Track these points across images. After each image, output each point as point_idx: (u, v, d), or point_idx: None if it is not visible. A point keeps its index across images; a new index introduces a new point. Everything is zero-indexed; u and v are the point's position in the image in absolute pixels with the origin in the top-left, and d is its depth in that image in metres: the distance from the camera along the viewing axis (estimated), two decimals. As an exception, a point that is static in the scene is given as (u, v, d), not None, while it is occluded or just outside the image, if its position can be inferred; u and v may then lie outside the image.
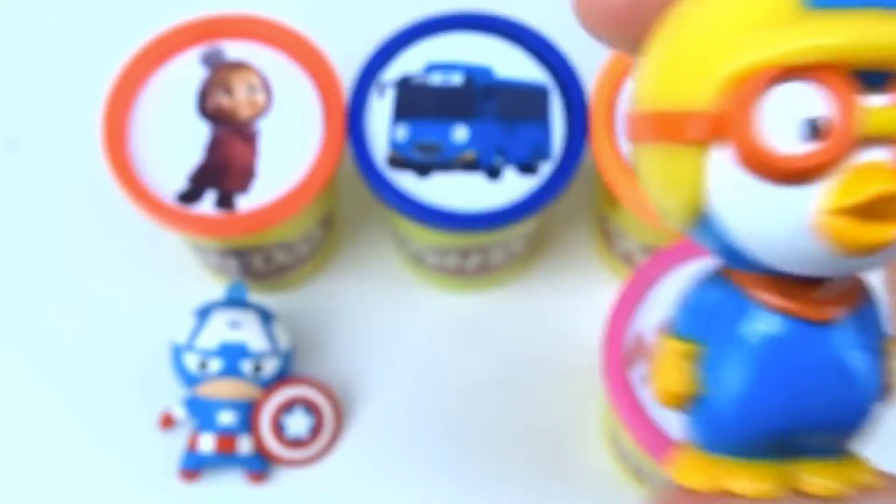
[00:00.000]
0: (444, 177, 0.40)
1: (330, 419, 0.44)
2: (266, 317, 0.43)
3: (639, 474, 0.41)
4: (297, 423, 0.43)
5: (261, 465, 0.43)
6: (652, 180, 0.12)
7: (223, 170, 0.40)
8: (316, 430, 0.44)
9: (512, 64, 0.42)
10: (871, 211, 0.11)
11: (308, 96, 0.42)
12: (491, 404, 0.45)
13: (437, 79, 0.41)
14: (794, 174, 0.11)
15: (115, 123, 0.41)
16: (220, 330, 0.42)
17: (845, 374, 0.13)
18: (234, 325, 0.42)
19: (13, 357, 0.47)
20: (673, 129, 0.12)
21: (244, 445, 0.43)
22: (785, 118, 0.11)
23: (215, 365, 0.42)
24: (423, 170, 0.40)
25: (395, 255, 0.49)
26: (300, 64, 0.43)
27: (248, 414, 0.43)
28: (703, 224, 0.12)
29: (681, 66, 0.12)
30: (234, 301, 0.44)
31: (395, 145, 0.41)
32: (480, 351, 0.46)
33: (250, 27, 0.43)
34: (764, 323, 0.13)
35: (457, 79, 0.41)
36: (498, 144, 0.40)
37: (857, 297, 0.13)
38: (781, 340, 0.13)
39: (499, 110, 0.41)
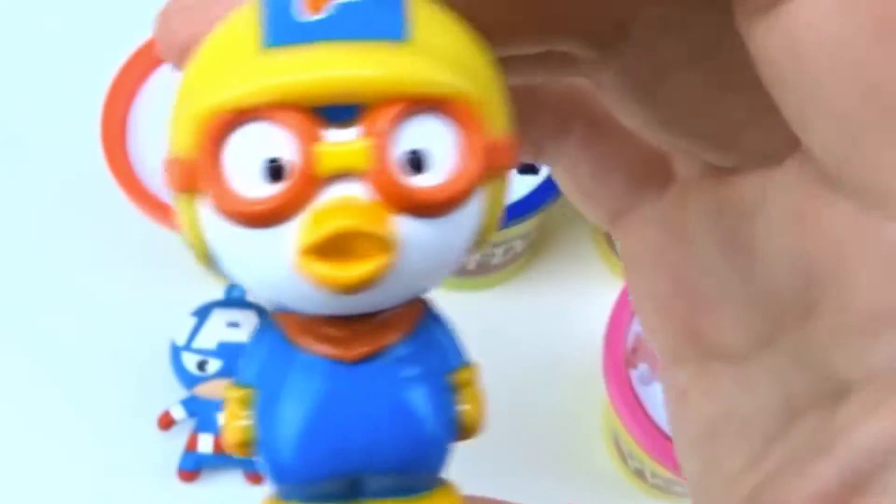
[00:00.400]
0: (443, 176, 0.40)
1: (329, 419, 0.44)
2: (265, 316, 0.43)
3: (639, 474, 0.41)
4: (297, 424, 0.43)
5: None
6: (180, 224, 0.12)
7: (222, 169, 0.40)
8: (315, 431, 0.44)
9: (512, 63, 0.42)
10: (338, 248, 0.11)
11: (307, 96, 0.42)
12: (491, 404, 0.45)
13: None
14: (260, 217, 0.11)
15: (115, 123, 0.41)
16: (218, 330, 0.42)
17: (392, 411, 0.12)
18: (233, 324, 0.42)
19: (13, 357, 0.47)
20: (167, 176, 0.12)
21: (243, 446, 0.42)
22: (248, 161, 0.11)
23: (214, 365, 0.42)
24: (423, 169, 0.40)
25: (394, 254, 0.49)
26: (300, 63, 0.43)
27: (248, 414, 0.43)
28: (219, 271, 0.12)
29: (174, 110, 0.12)
30: (233, 301, 0.43)
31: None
32: (480, 351, 0.46)
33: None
34: (300, 366, 0.12)
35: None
36: (498, 144, 0.40)
37: (403, 331, 0.12)
38: (317, 383, 0.12)
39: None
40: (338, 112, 0.11)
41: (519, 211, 0.39)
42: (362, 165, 0.11)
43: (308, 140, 0.11)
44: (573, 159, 0.18)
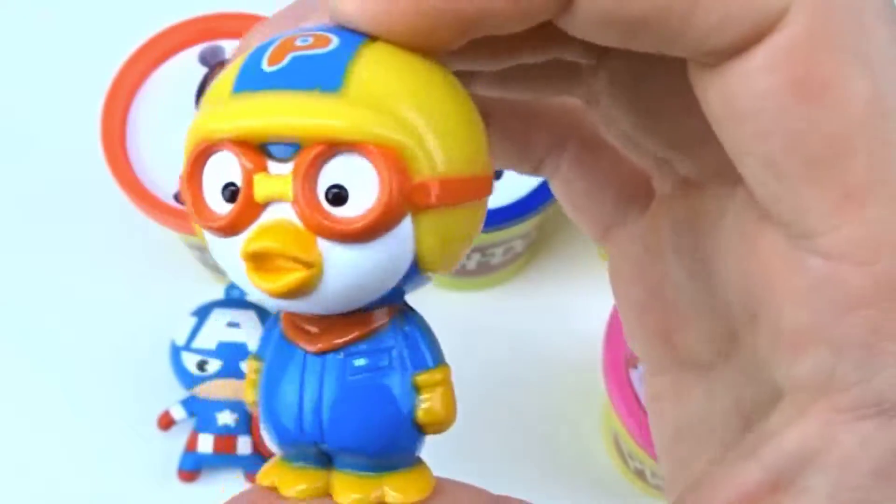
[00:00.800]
0: (443, 176, 0.40)
1: (329, 419, 0.44)
2: (265, 316, 0.43)
3: (639, 474, 0.41)
4: (297, 424, 0.43)
5: (260, 466, 0.43)
6: None
7: (222, 169, 0.40)
8: (315, 431, 0.44)
9: (512, 63, 0.42)
10: (268, 262, 0.13)
11: (308, 95, 0.42)
12: (491, 404, 0.45)
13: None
14: (220, 230, 0.14)
15: (115, 123, 0.41)
16: (218, 330, 0.42)
17: (339, 398, 0.14)
18: (233, 324, 0.42)
19: (13, 357, 0.47)
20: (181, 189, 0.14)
21: (243, 446, 0.42)
22: (214, 184, 0.14)
23: (214, 365, 0.42)
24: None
25: (394, 254, 0.49)
26: (300, 63, 0.43)
27: (248, 414, 0.43)
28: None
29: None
30: (233, 301, 0.43)
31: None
32: (480, 350, 0.46)
33: (249, 26, 0.43)
34: (281, 352, 0.15)
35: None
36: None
37: (366, 331, 0.14)
38: (287, 367, 0.15)
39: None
40: (281, 149, 0.13)
41: (519, 211, 0.39)
42: (288, 196, 0.13)
43: (250, 170, 0.13)
44: (568, 176, 0.20)
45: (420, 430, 0.15)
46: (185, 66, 0.42)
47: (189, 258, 0.47)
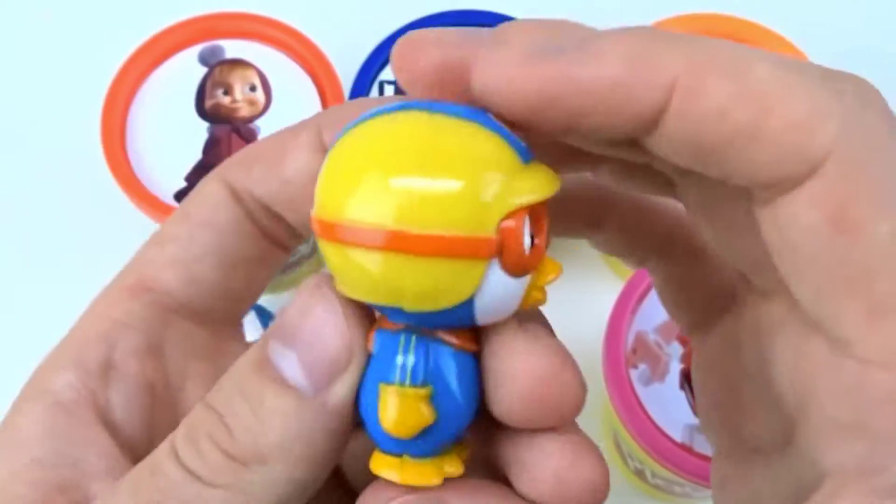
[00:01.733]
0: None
1: (329, 419, 0.44)
2: (265, 316, 0.43)
3: (639, 474, 0.41)
4: (297, 424, 0.43)
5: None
6: None
7: (222, 169, 0.40)
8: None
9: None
10: (553, 276, 0.18)
11: (307, 95, 0.42)
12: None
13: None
14: (527, 266, 0.17)
15: (115, 123, 0.41)
16: (219, 330, 0.42)
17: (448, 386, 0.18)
18: (234, 324, 0.42)
19: (13, 357, 0.47)
20: (323, 226, 0.17)
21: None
22: (524, 238, 0.17)
23: (214, 365, 0.42)
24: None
25: (394, 254, 0.49)
26: (299, 63, 0.43)
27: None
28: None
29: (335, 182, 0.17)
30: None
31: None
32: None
33: (249, 26, 0.43)
34: (389, 338, 0.18)
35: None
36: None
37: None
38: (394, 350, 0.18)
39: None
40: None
41: (519, 211, 0.39)
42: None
43: (540, 223, 0.17)
44: (668, 274, 0.23)
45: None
46: (185, 65, 0.42)
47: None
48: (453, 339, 0.18)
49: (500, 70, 0.17)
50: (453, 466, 0.18)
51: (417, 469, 0.18)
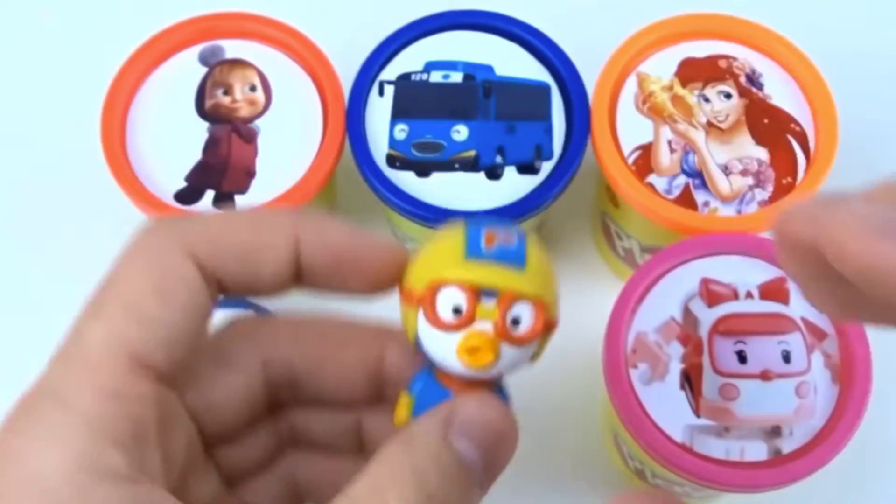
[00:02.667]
0: (443, 176, 0.40)
1: (329, 419, 0.44)
2: (263, 316, 0.43)
3: (639, 474, 0.41)
4: (297, 424, 0.43)
5: (260, 466, 0.43)
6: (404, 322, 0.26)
7: (222, 169, 0.40)
8: (315, 431, 0.44)
9: (512, 62, 0.42)
10: (474, 351, 0.25)
11: (307, 95, 0.42)
12: (491, 404, 0.45)
13: (437, 77, 0.41)
14: (448, 328, 0.24)
15: (115, 123, 0.41)
16: (218, 330, 0.42)
17: None
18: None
19: (13, 357, 0.47)
20: (408, 298, 0.26)
21: (243, 445, 0.42)
22: (447, 303, 0.25)
23: (214, 365, 0.41)
24: (423, 169, 0.40)
25: (394, 254, 0.49)
26: (300, 63, 0.43)
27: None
28: (418, 346, 0.26)
29: (414, 272, 0.26)
30: (233, 301, 0.43)
31: (394, 144, 0.40)
32: (480, 351, 0.46)
33: (250, 26, 0.43)
34: (431, 389, 0.26)
35: (457, 77, 0.41)
36: (498, 143, 0.40)
37: (487, 388, 0.27)
38: (437, 399, 0.26)
39: (499, 109, 0.41)
40: (490, 294, 0.24)
41: (519, 211, 0.39)
42: (492, 318, 0.24)
43: (473, 302, 0.24)
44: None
45: None
46: (185, 65, 0.42)
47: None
48: (443, 380, 0.26)
49: (853, 252, 0.20)
50: None
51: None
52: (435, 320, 0.25)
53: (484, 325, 0.25)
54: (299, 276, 0.26)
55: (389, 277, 0.26)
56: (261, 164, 0.40)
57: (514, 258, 0.25)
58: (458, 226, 0.26)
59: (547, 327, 0.26)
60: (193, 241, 0.23)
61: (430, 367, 0.26)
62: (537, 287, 0.26)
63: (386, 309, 0.28)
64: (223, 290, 0.24)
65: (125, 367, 0.22)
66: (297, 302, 0.48)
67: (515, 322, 0.25)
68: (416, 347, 0.26)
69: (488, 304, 0.25)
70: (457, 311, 0.25)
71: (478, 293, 0.25)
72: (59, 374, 0.23)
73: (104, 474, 0.21)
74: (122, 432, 0.21)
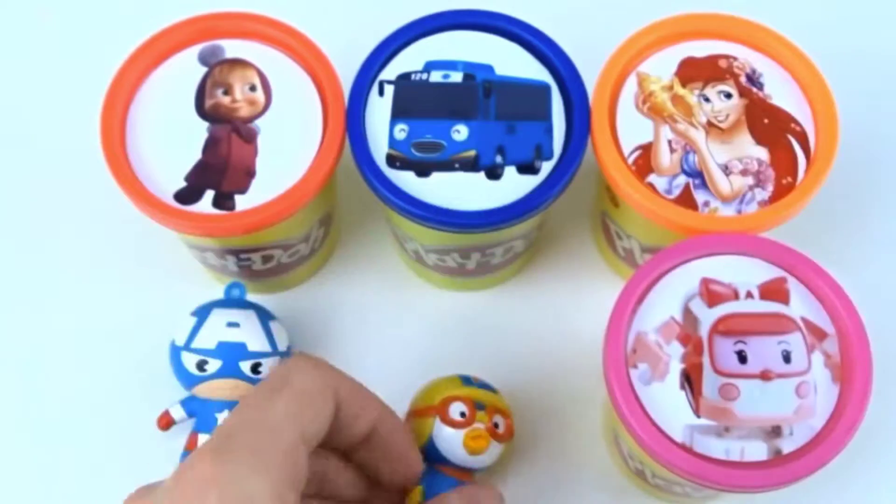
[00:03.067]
0: (443, 176, 0.40)
1: (329, 419, 0.44)
2: (265, 316, 0.43)
3: (639, 474, 0.41)
4: (297, 424, 0.43)
5: (260, 466, 0.43)
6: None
7: (222, 169, 0.40)
8: (315, 431, 0.44)
9: (513, 62, 0.42)
10: (477, 437, 0.38)
11: (307, 95, 0.42)
12: (491, 404, 0.45)
13: (437, 77, 0.41)
14: (455, 426, 0.38)
15: (114, 123, 0.40)
16: (218, 330, 0.42)
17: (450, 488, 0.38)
18: (233, 324, 0.42)
19: (13, 357, 0.47)
20: (421, 412, 0.40)
21: (243, 446, 0.42)
22: (456, 411, 0.39)
23: (214, 365, 0.41)
24: (423, 169, 0.40)
25: (394, 254, 0.49)
26: (299, 62, 0.43)
27: (248, 414, 0.43)
28: (428, 451, 0.39)
29: (420, 399, 0.40)
30: (233, 301, 0.43)
31: (394, 144, 0.40)
32: (481, 351, 0.46)
33: (249, 26, 0.43)
34: (434, 477, 0.38)
35: (457, 77, 0.41)
36: (498, 143, 0.40)
37: (472, 477, 0.40)
38: (441, 484, 0.38)
39: (499, 109, 0.41)
40: (480, 406, 0.40)
41: (519, 211, 0.39)
42: (484, 421, 0.39)
43: (472, 410, 0.39)
44: None
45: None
46: (185, 65, 0.42)
47: (189, 258, 0.47)
48: (446, 471, 0.39)
49: None
50: None
51: None
52: (449, 421, 0.39)
53: (480, 426, 0.39)
54: (354, 447, 0.34)
55: (405, 480, 0.36)
56: (261, 164, 0.40)
57: (490, 388, 0.41)
58: (450, 375, 0.41)
59: (509, 434, 0.40)
60: (338, 387, 0.32)
61: (432, 466, 0.39)
62: (505, 405, 0.41)
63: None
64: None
65: (297, 439, 0.30)
66: (298, 302, 0.48)
67: (496, 426, 0.39)
68: (424, 449, 0.38)
69: (481, 413, 0.39)
70: (463, 414, 0.39)
71: (475, 405, 0.39)
72: (254, 428, 0.29)
73: (288, 503, 0.28)
74: (294, 479, 0.29)
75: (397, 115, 0.41)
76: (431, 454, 0.38)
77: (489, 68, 0.42)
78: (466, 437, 0.38)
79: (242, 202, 0.40)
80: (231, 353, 0.42)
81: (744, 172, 0.40)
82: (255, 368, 0.42)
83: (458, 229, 0.39)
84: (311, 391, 0.31)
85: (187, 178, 0.40)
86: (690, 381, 0.34)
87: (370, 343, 0.46)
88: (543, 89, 0.42)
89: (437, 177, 0.40)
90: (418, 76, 0.41)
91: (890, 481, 0.44)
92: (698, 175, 0.40)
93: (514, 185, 0.40)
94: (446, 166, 0.40)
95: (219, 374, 0.42)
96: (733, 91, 0.42)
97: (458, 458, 0.38)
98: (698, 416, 0.34)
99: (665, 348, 0.35)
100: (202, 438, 0.42)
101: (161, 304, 0.47)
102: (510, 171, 0.40)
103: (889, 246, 0.49)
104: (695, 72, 0.42)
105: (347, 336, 0.47)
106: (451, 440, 0.38)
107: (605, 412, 0.43)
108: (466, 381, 0.40)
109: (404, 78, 0.41)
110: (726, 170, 0.40)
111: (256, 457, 0.28)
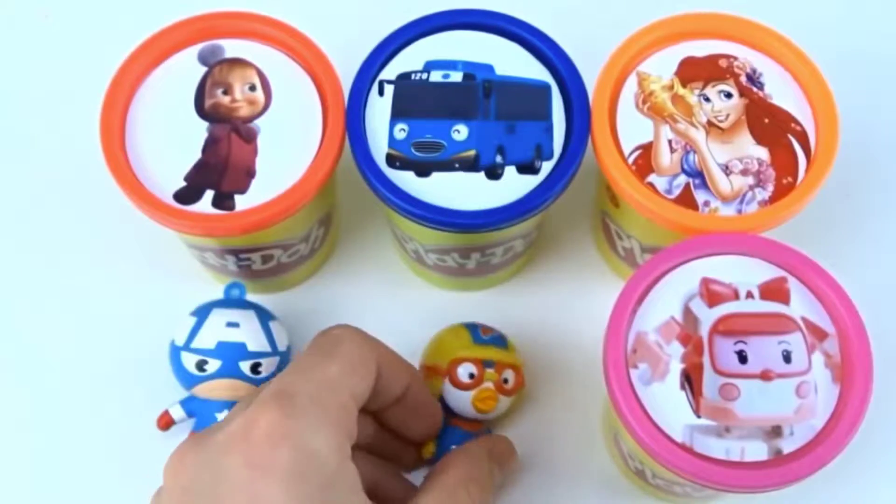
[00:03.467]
0: (443, 176, 0.40)
1: (329, 419, 0.44)
2: (265, 316, 0.43)
3: (639, 474, 0.41)
4: (297, 424, 0.43)
5: (260, 466, 0.43)
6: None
7: (222, 169, 0.40)
8: (315, 431, 0.44)
9: (513, 62, 0.42)
10: (485, 399, 0.41)
11: (307, 95, 0.42)
12: (491, 404, 0.45)
13: (437, 76, 0.41)
14: (463, 388, 0.41)
15: (114, 122, 0.40)
16: (218, 330, 0.42)
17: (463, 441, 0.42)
18: (233, 324, 0.42)
19: (13, 357, 0.47)
20: (431, 370, 0.42)
21: (243, 446, 0.42)
22: (465, 372, 0.41)
23: (213, 365, 0.41)
24: (423, 169, 0.40)
25: (395, 254, 0.49)
26: (299, 62, 0.43)
27: (247, 414, 0.43)
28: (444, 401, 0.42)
29: (429, 357, 0.43)
30: (233, 301, 0.43)
31: (394, 144, 0.40)
32: (480, 351, 0.46)
33: (249, 25, 0.43)
34: (447, 431, 0.42)
35: (457, 76, 0.41)
36: (498, 143, 0.40)
37: (483, 426, 0.43)
38: (451, 438, 0.42)
39: (499, 108, 0.41)
40: (491, 364, 0.41)
41: (519, 211, 0.39)
42: (493, 379, 0.41)
43: (480, 370, 0.41)
44: None
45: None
46: (185, 65, 0.42)
47: (189, 258, 0.47)
48: (457, 424, 0.42)
49: None
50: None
51: None
52: (458, 384, 0.41)
53: (489, 385, 0.41)
54: (387, 407, 0.38)
55: (429, 434, 0.41)
56: (260, 163, 0.40)
57: (500, 342, 0.42)
58: (458, 324, 0.43)
59: (519, 385, 0.42)
60: (380, 355, 0.35)
61: (443, 419, 0.41)
62: (515, 359, 0.42)
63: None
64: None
65: (349, 398, 0.33)
66: (298, 302, 0.48)
67: (506, 381, 0.41)
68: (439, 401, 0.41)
69: (490, 371, 0.41)
70: (471, 376, 0.41)
71: (483, 364, 0.41)
72: (313, 387, 0.32)
73: (347, 455, 0.31)
74: (349, 434, 0.32)
75: (397, 114, 0.41)
76: (443, 409, 0.41)
77: (489, 68, 0.42)
78: (475, 399, 0.40)
79: (242, 202, 0.40)
80: (231, 353, 0.41)
81: (744, 172, 0.40)
82: (255, 368, 0.42)
83: (458, 229, 0.39)
84: (359, 357, 0.34)
85: (187, 178, 0.40)
86: (691, 381, 0.34)
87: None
88: (543, 89, 0.42)
89: (437, 177, 0.40)
90: (418, 76, 0.41)
91: (890, 481, 0.44)
92: (698, 175, 0.40)
93: (514, 185, 0.40)
94: (446, 166, 0.40)
95: (218, 374, 0.42)
96: (733, 91, 0.42)
97: (467, 413, 0.41)
98: (698, 416, 0.34)
99: (665, 348, 0.35)
100: (202, 438, 0.42)
101: (161, 304, 0.47)
102: (510, 171, 0.40)
103: (889, 246, 0.49)
104: (695, 71, 0.42)
105: (347, 336, 0.47)
106: (460, 400, 0.41)
107: (605, 412, 0.43)
108: (476, 336, 0.42)
109: (404, 78, 0.41)
110: (726, 170, 0.40)
111: (322, 412, 0.31)
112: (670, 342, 0.35)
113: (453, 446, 0.41)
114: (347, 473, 0.31)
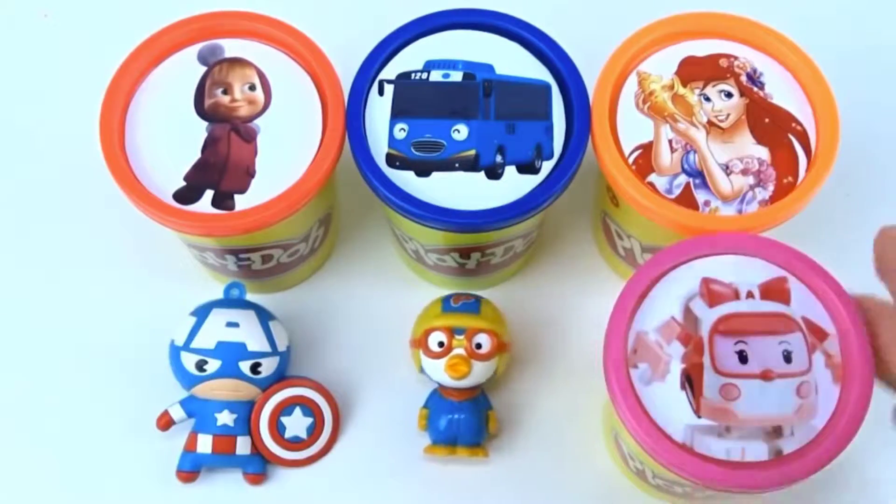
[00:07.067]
0: (443, 176, 0.40)
1: (329, 419, 0.44)
2: (264, 316, 0.43)
3: (639, 474, 0.41)
4: (296, 424, 0.43)
5: (259, 466, 0.43)
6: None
7: (221, 168, 0.40)
8: (315, 431, 0.44)
9: (513, 62, 0.42)
10: (455, 367, 0.42)
11: (307, 94, 0.42)
12: (491, 403, 0.45)
13: (436, 76, 0.41)
14: (436, 356, 0.42)
15: (114, 122, 0.40)
16: (217, 330, 0.42)
17: (467, 422, 0.43)
18: (232, 324, 0.42)
19: (13, 357, 0.47)
20: (412, 343, 0.44)
21: (242, 446, 0.42)
22: (434, 341, 0.42)
23: (213, 365, 0.41)
24: (423, 169, 0.40)
25: (395, 254, 0.49)
26: (299, 62, 0.43)
27: (247, 414, 0.43)
28: (423, 372, 0.44)
29: (416, 327, 0.44)
30: (232, 301, 0.43)
31: (394, 143, 0.40)
32: (480, 351, 0.46)
33: (249, 25, 0.43)
34: (439, 401, 0.44)
35: (457, 76, 0.41)
36: (498, 142, 0.40)
37: (470, 396, 0.43)
38: (443, 407, 0.43)
39: (499, 108, 0.41)
40: (461, 332, 0.42)
41: (519, 211, 0.39)
42: (463, 346, 0.42)
43: (450, 338, 0.42)
44: None
45: (486, 432, 0.44)
46: (184, 64, 0.42)
47: (188, 258, 0.47)
48: (444, 394, 0.44)
49: None
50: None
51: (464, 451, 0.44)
52: (429, 353, 0.42)
53: (459, 351, 0.42)
54: None
55: None
56: (260, 163, 0.40)
57: (472, 308, 0.43)
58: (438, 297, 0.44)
59: (500, 348, 0.42)
60: None
61: (436, 389, 0.44)
62: (489, 323, 0.43)
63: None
64: None
65: None
66: (298, 302, 0.48)
67: (479, 346, 0.42)
68: (424, 374, 0.43)
69: (460, 338, 0.42)
70: (440, 344, 0.42)
71: (452, 331, 0.42)
72: None
73: None
74: None
75: (397, 114, 0.41)
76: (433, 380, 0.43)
77: (489, 68, 0.42)
78: (446, 367, 0.41)
79: (242, 202, 0.40)
80: (230, 353, 0.41)
81: (744, 172, 0.40)
82: (255, 368, 0.42)
83: (458, 229, 0.39)
84: None
85: (186, 178, 0.40)
86: (691, 381, 0.34)
87: (369, 342, 0.46)
88: (543, 89, 0.42)
89: (437, 176, 0.40)
90: (418, 75, 0.41)
91: (890, 481, 0.44)
92: (699, 174, 0.40)
93: (514, 185, 0.40)
94: (446, 166, 0.40)
95: (218, 374, 0.42)
96: (734, 90, 0.42)
97: (444, 382, 0.42)
98: (699, 416, 0.34)
99: (665, 348, 0.35)
100: (202, 438, 0.42)
101: (161, 304, 0.47)
102: (510, 171, 0.40)
103: (890, 246, 0.49)
104: (695, 71, 0.42)
105: (347, 335, 0.47)
106: (435, 370, 0.42)
107: (605, 412, 0.43)
108: (447, 306, 0.43)
109: (404, 77, 0.41)
110: (727, 169, 0.40)
111: None
112: (670, 342, 0.35)
113: (446, 416, 0.43)
114: None
